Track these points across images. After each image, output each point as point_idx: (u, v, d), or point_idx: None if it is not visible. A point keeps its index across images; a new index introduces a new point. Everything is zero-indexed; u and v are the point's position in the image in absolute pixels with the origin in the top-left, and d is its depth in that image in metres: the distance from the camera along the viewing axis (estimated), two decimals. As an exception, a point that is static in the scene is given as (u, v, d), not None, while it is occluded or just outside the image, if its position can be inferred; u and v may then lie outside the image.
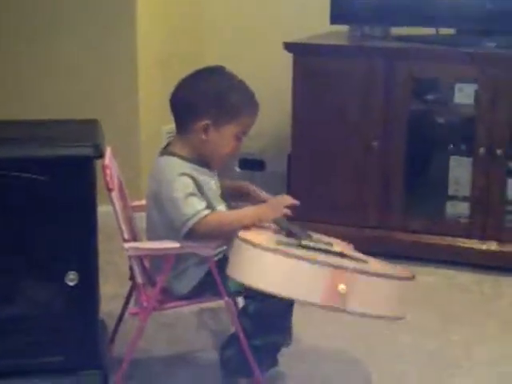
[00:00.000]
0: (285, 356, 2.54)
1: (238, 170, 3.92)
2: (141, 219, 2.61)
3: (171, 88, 2.44)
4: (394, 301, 2.19)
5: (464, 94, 3.36)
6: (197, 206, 2.30)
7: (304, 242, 2.24)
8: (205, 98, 2.37)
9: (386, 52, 3.42)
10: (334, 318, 2.57)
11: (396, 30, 3.63)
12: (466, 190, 3.42)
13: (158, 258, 2.40)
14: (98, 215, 2.38)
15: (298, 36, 3.53)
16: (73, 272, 2.35)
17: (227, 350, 2.45)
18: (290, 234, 2.30)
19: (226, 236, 2.33)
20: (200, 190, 2.35)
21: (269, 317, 2.37)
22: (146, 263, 2.43)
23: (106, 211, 2.44)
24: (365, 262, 2.25)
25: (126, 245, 2.36)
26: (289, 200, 2.41)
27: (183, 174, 2.33)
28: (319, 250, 2.23)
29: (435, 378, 2.61)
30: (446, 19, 3.46)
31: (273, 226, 2.36)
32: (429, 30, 3.56)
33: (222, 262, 2.35)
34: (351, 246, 2.42)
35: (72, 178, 2.31)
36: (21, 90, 3.80)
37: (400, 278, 2.21)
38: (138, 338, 2.40)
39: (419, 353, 2.74)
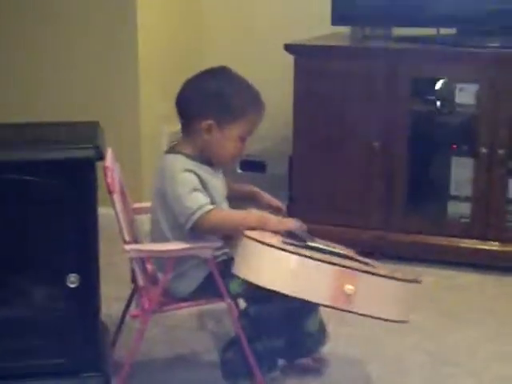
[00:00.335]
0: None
1: (239, 171, 3.91)
2: (142, 221, 2.61)
3: (172, 89, 2.44)
4: (400, 304, 2.19)
5: (465, 94, 3.36)
6: (201, 200, 2.30)
7: (310, 243, 2.24)
8: (208, 98, 2.37)
9: (388, 53, 3.42)
10: (334, 317, 2.57)
11: (397, 31, 3.63)
12: (467, 191, 3.41)
13: (162, 258, 2.40)
14: (98, 217, 2.38)
15: (299, 37, 3.52)
16: (74, 274, 2.34)
17: (228, 352, 2.45)
18: (294, 237, 2.30)
19: (228, 233, 2.33)
20: (204, 186, 2.35)
21: (269, 320, 2.37)
22: (148, 265, 2.43)
23: (107, 213, 2.44)
24: (371, 265, 2.26)
25: (127, 247, 2.36)
26: (296, 226, 2.36)
27: (187, 170, 2.34)
28: (326, 251, 2.23)
29: (435, 378, 2.61)
30: (447, 19, 3.45)
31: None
32: (430, 31, 3.55)
33: (224, 264, 2.35)
34: (355, 253, 2.42)
35: (73, 180, 2.30)
36: (21, 92, 3.80)
37: (408, 281, 2.21)
38: (139, 341, 2.40)
39: (420, 353, 2.74)
